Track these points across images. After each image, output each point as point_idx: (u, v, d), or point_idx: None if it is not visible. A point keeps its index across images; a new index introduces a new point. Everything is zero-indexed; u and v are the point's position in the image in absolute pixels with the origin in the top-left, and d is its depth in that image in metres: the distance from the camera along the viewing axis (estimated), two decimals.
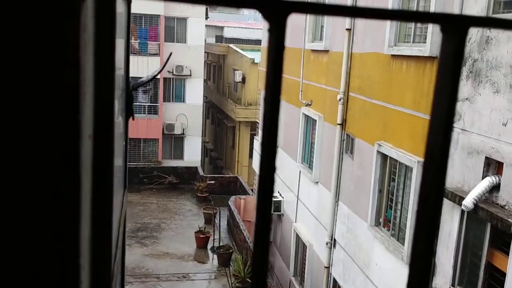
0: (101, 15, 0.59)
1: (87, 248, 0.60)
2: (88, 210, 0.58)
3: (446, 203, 6.94)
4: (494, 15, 6.34)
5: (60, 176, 0.47)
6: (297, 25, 13.41)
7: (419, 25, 8.24)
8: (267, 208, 0.37)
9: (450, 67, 0.30)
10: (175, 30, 26.12)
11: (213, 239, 17.28)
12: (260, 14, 0.29)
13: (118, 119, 1.24)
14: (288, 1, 0.28)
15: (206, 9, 27.10)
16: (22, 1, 0.42)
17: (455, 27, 0.30)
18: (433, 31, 7.46)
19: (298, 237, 13.37)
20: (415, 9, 8.27)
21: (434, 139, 0.31)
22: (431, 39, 7.48)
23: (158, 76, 24.77)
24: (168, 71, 25.35)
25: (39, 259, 0.50)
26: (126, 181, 1.65)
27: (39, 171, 0.47)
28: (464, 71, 6.81)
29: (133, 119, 1.56)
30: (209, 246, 17.50)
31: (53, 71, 0.44)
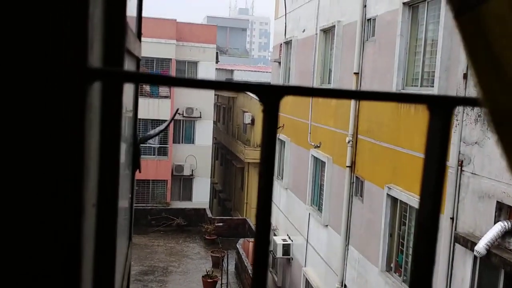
0: (108, 96, 0.62)
1: None
2: (90, 274, 0.59)
3: (458, 248, 6.79)
4: None
5: (62, 245, 0.48)
6: (306, 67, 13.63)
7: (426, 69, 8.33)
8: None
9: (437, 143, 0.31)
10: (186, 73, 26.62)
11: (221, 284, 16.94)
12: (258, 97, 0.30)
13: (125, 172, 1.26)
14: (280, 85, 0.29)
15: (217, 53, 27.69)
16: (32, 81, 0.45)
17: (441, 107, 0.31)
18: (440, 76, 7.53)
19: (307, 282, 13.07)
20: (422, 55, 8.39)
21: (424, 215, 0.32)
22: (439, 83, 7.54)
23: (168, 119, 25.08)
24: (178, 113, 25.67)
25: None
26: (131, 234, 1.65)
27: (39, 244, 0.48)
28: (473, 115, 6.81)
29: (139, 172, 1.58)
30: None
31: (57, 150, 0.46)
